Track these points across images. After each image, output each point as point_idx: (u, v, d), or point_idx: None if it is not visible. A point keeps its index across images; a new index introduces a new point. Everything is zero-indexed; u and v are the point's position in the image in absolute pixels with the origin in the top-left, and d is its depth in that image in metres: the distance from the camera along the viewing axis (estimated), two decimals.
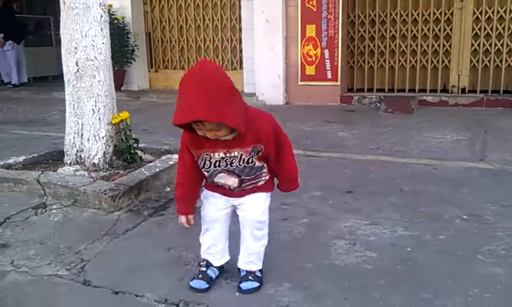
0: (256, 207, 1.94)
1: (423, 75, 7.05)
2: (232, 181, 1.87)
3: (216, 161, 1.82)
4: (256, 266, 1.99)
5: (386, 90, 7.17)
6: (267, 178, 1.93)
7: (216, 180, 1.88)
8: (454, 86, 6.90)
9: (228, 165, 1.83)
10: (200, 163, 1.85)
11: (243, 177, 1.86)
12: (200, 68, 1.64)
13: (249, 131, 1.74)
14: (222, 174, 1.85)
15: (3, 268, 2.22)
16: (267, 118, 1.85)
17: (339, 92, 6.98)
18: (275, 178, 2.00)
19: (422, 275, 2.04)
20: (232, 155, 1.80)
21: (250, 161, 1.83)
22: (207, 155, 1.81)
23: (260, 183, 1.92)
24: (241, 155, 1.81)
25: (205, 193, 1.99)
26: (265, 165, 1.89)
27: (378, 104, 6.66)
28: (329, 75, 6.97)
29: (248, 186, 1.90)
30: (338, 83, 6.96)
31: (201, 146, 1.80)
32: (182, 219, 1.95)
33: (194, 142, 1.81)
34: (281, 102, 7.11)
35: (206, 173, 1.89)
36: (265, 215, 1.96)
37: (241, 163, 1.82)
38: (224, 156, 1.81)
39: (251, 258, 1.99)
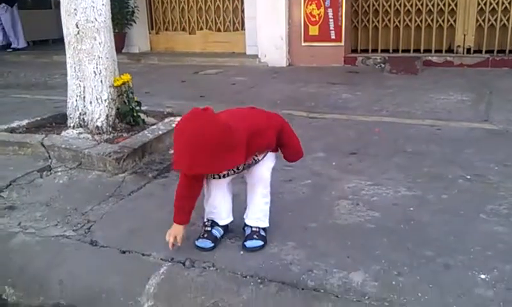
0: (266, 168, 1.98)
1: (428, 35, 6.94)
2: (236, 169, 1.92)
3: (223, 174, 1.91)
4: (264, 223, 2.03)
5: (391, 50, 7.08)
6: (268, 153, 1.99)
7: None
8: (459, 46, 6.80)
9: (235, 171, 1.92)
10: (208, 176, 1.94)
11: (249, 167, 1.95)
12: (188, 126, 1.68)
13: (254, 141, 1.80)
14: (228, 178, 1.98)
15: (11, 229, 2.26)
16: (272, 126, 1.92)
17: (343, 53, 6.89)
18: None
19: (424, 234, 2.06)
20: (239, 168, 1.90)
21: (255, 161, 1.94)
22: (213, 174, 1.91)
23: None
24: (247, 164, 1.91)
25: None
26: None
27: (382, 65, 6.59)
28: (332, 36, 6.87)
29: (248, 167, 1.97)
30: (342, 43, 6.86)
31: None
32: (171, 238, 1.94)
33: None
34: (284, 64, 7.04)
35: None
36: (269, 171, 2.01)
37: (246, 165, 1.91)
38: (230, 169, 1.86)
39: (259, 215, 2.02)
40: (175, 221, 1.96)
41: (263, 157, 1.95)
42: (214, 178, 1.94)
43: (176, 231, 1.94)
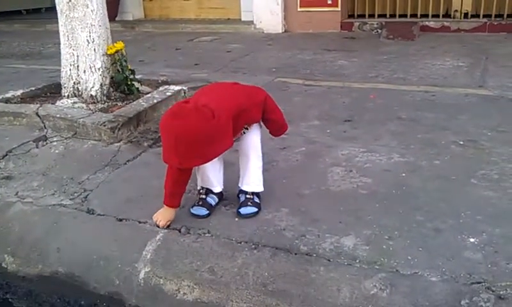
0: (255, 135, 2.00)
1: (425, 0, 6.84)
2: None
3: None
4: (260, 187, 2.07)
5: (388, 16, 7.00)
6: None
7: None
8: (456, 11, 6.72)
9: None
10: None
11: (238, 140, 1.98)
12: (174, 125, 1.70)
13: (240, 120, 1.85)
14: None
15: (8, 199, 2.28)
16: (256, 103, 1.94)
17: (339, 18, 6.81)
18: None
19: (416, 200, 2.09)
20: None
21: (243, 133, 1.98)
22: None
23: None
24: (234, 138, 1.91)
25: None
26: None
27: (379, 30, 6.53)
28: (329, 1, 6.77)
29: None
30: (339, 9, 6.78)
31: None
32: (163, 222, 1.95)
33: None
34: (280, 30, 6.96)
35: None
36: (259, 138, 2.04)
37: (235, 139, 1.90)
38: None
39: (255, 180, 2.05)
40: (167, 204, 1.97)
41: (250, 127, 1.98)
42: None
43: (168, 216, 1.97)
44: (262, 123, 2.05)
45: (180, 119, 1.69)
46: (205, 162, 1.84)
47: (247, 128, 1.97)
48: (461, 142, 2.67)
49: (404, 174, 2.33)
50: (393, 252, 1.74)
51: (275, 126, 2.11)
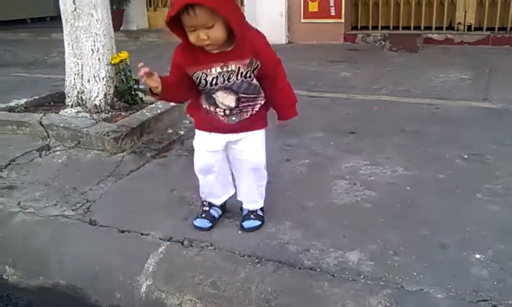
0: (253, 147, 1.92)
1: (429, 12, 6.87)
2: (230, 100, 1.80)
3: (213, 78, 1.75)
4: (258, 204, 2.03)
5: (391, 28, 7.02)
6: (262, 102, 1.87)
7: (214, 98, 1.81)
8: (460, 23, 6.74)
9: (226, 81, 1.76)
10: (196, 81, 1.78)
11: (240, 95, 1.79)
12: None
13: (246, 43, 1.70)
14: (219, 92, 1.79)
15: (11, 209, 2.27)
16: (261, 33, 1.81)
17: (343, 30, 6.83)
18: (268, 112, 1.94)
19: (421, 214, 2.07)
20: (230, 69, 1.74)
21: (248, 75, 1.77)
22: (203, 72, 1.75)
23: (256, 108, 1.86)
24: (239, 68, 1.74)
25: (197, 136, 1.95)
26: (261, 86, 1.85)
27: (383, 42, 6.54)
28: (332, 12, 6.80)
29: (245, 108, 1.83)
30: (342, 20, 6.80)
31: (197, 61, 1.73)
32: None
33: (188, 58, 1.74)
34: (284, 41, 6.98)
35: (203, 93, 1.83)
36: (262, 153, 1.95)
37: (239, 77, 1.76)
38: (221, 71, 1.74)
39: (253, 198, 2.02)
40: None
41: (253, 93, 1.82)
42: (203, 84, 1.77)
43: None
44: (267, 109, 1.92)
45: None
46: (215, 7, 1.57)
47: (251, 75, 1.78)
48: (466, 156, 2.65)
49: (408, 188, 2.31)
50: (398, 268, 1.72)
51: (278, 90, 1.86)
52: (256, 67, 1.77)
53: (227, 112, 1.84)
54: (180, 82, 1.80)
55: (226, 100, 1.80)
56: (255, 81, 1.81)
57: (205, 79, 1.76)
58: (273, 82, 1.84)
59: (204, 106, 1.87)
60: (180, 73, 1.79)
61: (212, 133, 1.90)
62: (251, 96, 1.83)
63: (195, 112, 1.93)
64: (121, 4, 8.18)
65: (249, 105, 1.84)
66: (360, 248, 1.84)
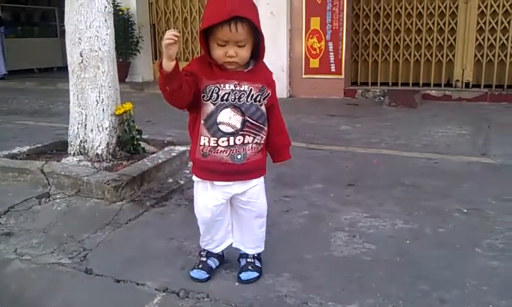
0: (261, 196, 1.95)
1: (427, 69, 7.05)
2: (235, 120, 1.78)
3: (225, 93, 1.75)
4: (261, 248, 2.04)
5: (390, 84, 7.18)
6: (263, 139, 1.87)
7: (219, 118, 1.77)
8: (458, 80, 6.90)
9: (236, 100, 1.76)
10: (206, 94, 1.75)
11: (247, 117, 1.79)
12: None
13: (261, 71, 1.81)
14: (228, 109, 1.77)
15: (7, 256, 2.25)
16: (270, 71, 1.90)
17: (343, 85, 6.98)
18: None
19: (420, 268, 2.05)
20: (242, 88, 1.76)
21: (258, 99, 1.80)
22: (216, 86, 1.74)
23: (256, 141, 1.84)
24: (251, 90, 1.78)
25: (198, 187, 1.93)
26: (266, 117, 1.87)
27: (382, 98, 6.66)
28: (333, 69, 6.97)
29: (248, 135, 1.81)
30: (342, 76, 6.96)
31: (213, 76, 1.74)
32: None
33: (205, 70, 1.75)
34: (285, 95, 7.12)
35: (210, 107, 1.77)
36: (265, 200, 1.99)
37: (249, 99, 1.78)
38: (234, 89, 1.75)
39: (257, 243, 2.02)
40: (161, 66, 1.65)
41: (258, 120, 1.82)
42: (214, 98, 1.75)
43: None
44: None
45: None
46: (258, 24, 1.68)
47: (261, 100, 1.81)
48: (465, 211, 2.65)
49: (408, 242, 2.30)
50: None
51: (276, 126, 1.91)
52: (267, 95, 1.82)
53: (231, 141, 1.79)
54: (188, 84, 1.71)
55: (232, 119, 1.78)
56: (263, 108, 1.83)
57: (217, 93, 1.75)
58: (272, 119, 1.90)
59: (203, 142, 1.81)
60: (192, 78, 1.73)
61: (216, 184, 1.87)
62: (256, 123, 1.82)
63: (194, 157, 1.88)
64: (127, 57, 8.40)
65: (251, 134, 1.82)
66: (359, 302, 1.81)
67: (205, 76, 1.75)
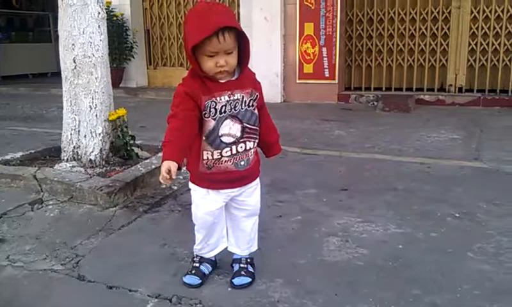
0: (257, 195, 2.00)
1: (420, 74, 7.08)
2: (236, 129, 1.82)
3: (222, 106, 1.78)
4: (255, 247, 2.07)
5: (384, 89, 7.21)
6: (257, 140, 1.92)
7: (221, 131, 1.80)
8: (451, 85, 6.93)
9: (233, 110, 1.81)
10: (205, 112, 1.78)
11: (245, 124, 1.84)
12: (209, 5, 1.71)
13: (247, 75, 1.85)
14: (227, 121, 1.80)
15: None
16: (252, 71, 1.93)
17: (336, 90, 7.00)
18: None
19: (412, 272, 2.06)
20: (235, 97, 1.80)
21: (250, 104, 1.85)
22: (213, 101, 1.77)
23: (255, 144, 1.91)
24: (243, 97, 1.82)
25: (198, 194, 1.93)
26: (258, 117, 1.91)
27: (375, 103, 6.69)
28: (326, 74, 7.00)
29: (248, 140, 1.86)
30: (336, 81, 6.98)
31: (208, 90, 1.77)
32: (164, 169, 1.69)
33: (199, 87, 1.77)
34: (279, 100, 7.14)
35: (211, 123, 1.79)
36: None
37: (243, 106, 1.82)
38: (228, 99, 1.79)
39: (251, 243, 2.05)
40: (165, 158, 1.72)
41: (255, 124, 1.88)
42: (213, 113, 1.78)
43: (167, 165, 1.69)
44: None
45: (213, 4, 1.74)
46: (236, 25, 1.72)
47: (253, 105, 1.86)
48: (457, 215, 2.66)
49: (400, 246, 2.31)
50: None
51: (266, 124, 1.97)
52: (256, 97, 1.87)
53: (233, 150, 1.83)
54: (190, 119, 1.76)
55: (232, 129, 1.82)
56: (256, 111, 1.88)
57: (215, 108, 1.78)
58: (262, 119, 1.95)
59: (206, 156, 1.84)
60: (191, 105, 1.77)
61: (221, 191, 1.90)
62: (253, 127, 1.87)
63: (196, 170, 1.89)
64: (122, 62, 8.40)
65: (250, 138, 1.87)
66: None
67: (200, 93, 1.78)
